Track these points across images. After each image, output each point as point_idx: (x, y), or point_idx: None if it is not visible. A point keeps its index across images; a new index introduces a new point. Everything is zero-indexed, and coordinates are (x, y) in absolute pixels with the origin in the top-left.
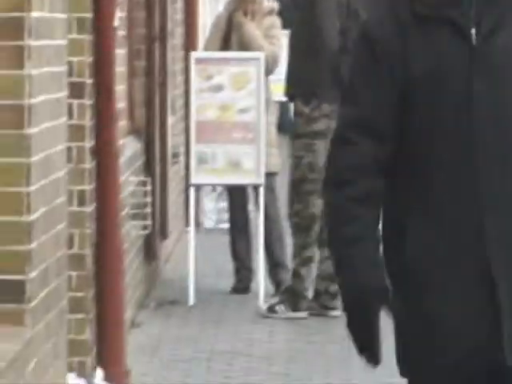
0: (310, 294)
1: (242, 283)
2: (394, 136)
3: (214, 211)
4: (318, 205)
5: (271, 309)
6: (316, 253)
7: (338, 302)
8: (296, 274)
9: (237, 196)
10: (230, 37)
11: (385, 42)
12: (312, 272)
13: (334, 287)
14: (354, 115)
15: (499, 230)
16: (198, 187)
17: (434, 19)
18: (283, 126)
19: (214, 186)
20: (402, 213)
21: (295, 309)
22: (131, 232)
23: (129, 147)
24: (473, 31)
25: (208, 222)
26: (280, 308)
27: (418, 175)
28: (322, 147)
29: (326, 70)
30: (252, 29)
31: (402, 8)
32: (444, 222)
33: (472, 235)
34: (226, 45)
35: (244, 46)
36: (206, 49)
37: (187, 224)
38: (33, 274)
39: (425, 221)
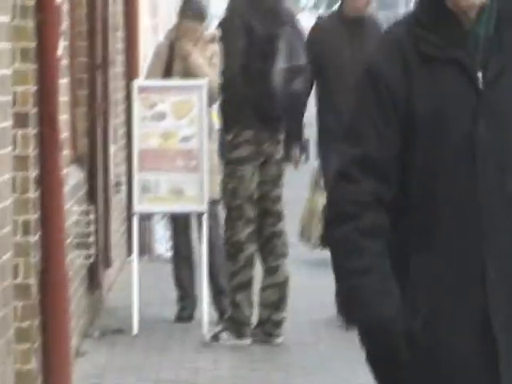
0: (254, 319)
1: (186, 311)
2: (397, 173)
3: (165, 238)
4: (244, 231)
5: (215, 337)
6: (252, 278)
7: (282, 330)
8: (232, 301)
9: (180, 224)
10: (172, 65)
11: (389, 79)
12: (249, 297)
13: (278, 315)
14: (357, 154)
15: (501, 273)
16: (146, 215)
17: (439, 58)
18: (223, 154)
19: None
20: (407, 243)
21: (239, 335)
22: (75, 261)
23: (72, 176)
24: (479, 75)
25: (160, 248)
26: (224, 335)
27: (423, 208)
28: (247, 173)
29: (246, 95)
30: (197, 57)
31: (407, 46)
32: (452, 252)
33: (479, 268)
34: (167, 73)
35: (188, 74)
36: (148, 77)
37: (129, 253)
38: None
39: (433, 250)
